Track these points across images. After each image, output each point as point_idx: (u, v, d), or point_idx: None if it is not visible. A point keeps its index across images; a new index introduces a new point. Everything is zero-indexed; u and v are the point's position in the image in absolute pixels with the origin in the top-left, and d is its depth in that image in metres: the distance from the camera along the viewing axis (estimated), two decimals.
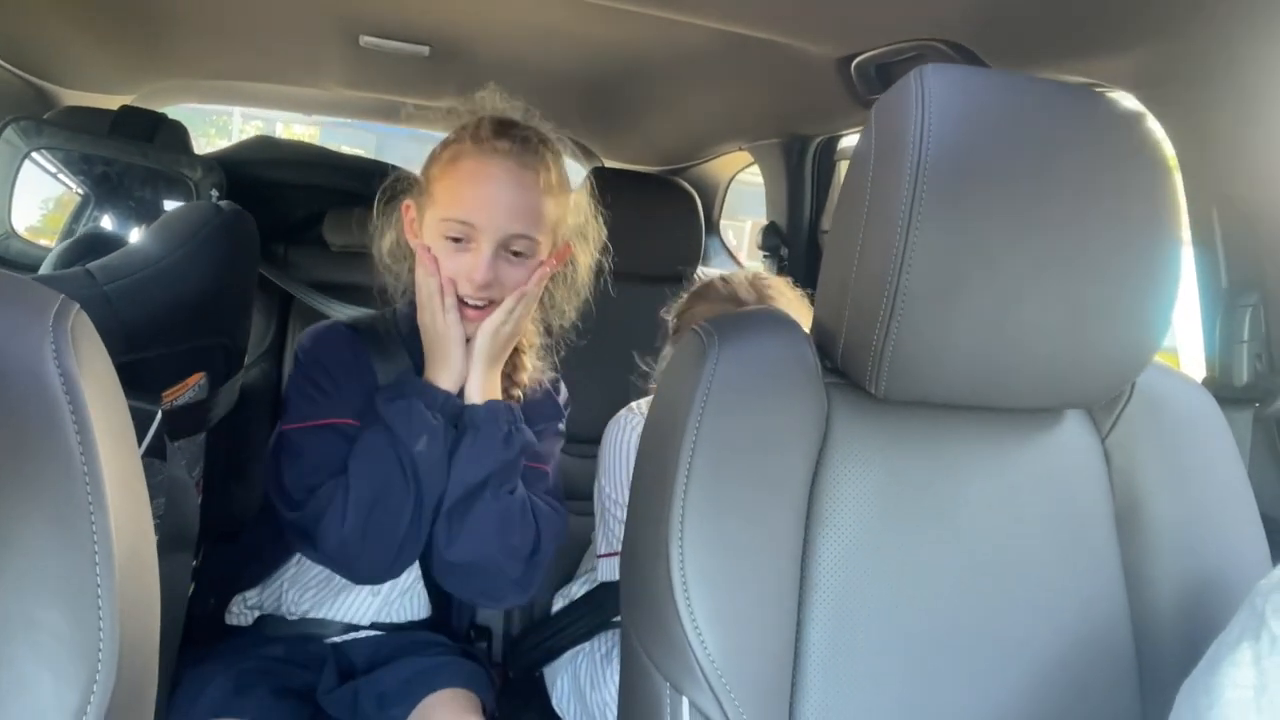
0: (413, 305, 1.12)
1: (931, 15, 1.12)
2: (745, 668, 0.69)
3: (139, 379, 0.62)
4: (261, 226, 1.41)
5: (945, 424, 0.80)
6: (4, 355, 0.49)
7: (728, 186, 2.32)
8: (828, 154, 1.84)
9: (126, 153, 1.59)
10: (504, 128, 1.07)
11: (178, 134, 1.70)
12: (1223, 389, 1.00)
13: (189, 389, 0.94)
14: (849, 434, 0.77)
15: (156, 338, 0.86)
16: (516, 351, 1.18)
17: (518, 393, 1.16)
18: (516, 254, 1.06)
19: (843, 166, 1.87)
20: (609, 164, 2.38)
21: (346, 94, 2.36)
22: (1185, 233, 0.83)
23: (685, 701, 0.68)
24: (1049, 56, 1.10)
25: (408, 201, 1.13)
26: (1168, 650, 0.79)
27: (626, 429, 1.29)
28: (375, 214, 1.16)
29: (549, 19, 1.57)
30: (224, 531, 1.25)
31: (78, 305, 0.55)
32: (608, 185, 1.85)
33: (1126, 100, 0.88)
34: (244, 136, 2.03)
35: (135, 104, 2.03)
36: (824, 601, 0.74)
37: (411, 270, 1.12)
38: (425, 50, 1.86)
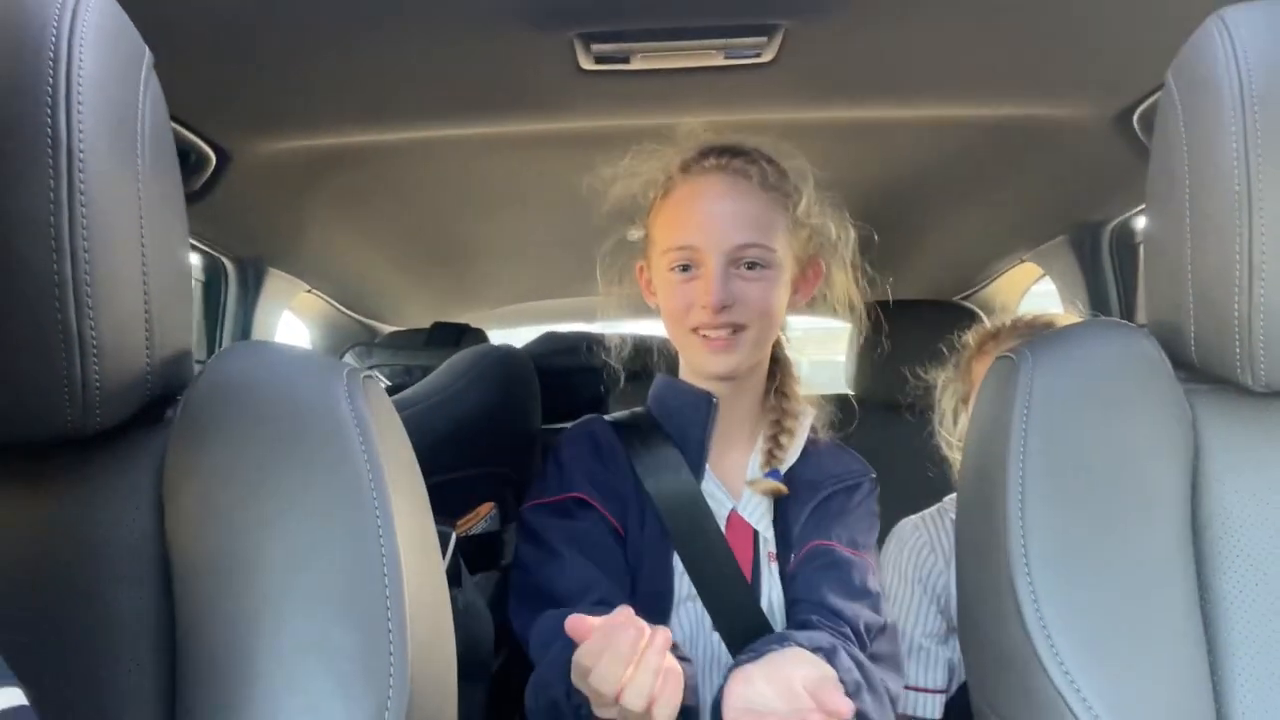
0: (661, 385, 1.05)
1: None
2: None
3: (431, 504, 0.63)
4: (552, 411, 1.50)
5: None
6: (300, 391, 0.52)
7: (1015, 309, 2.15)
8: (1126, 238, 1.66)
9: (439, 359, 1.78)
10: (709, 149, 0.99)
11: (479, 338, 1.89)
12: None
13: (481, 519, 0.96)
14: (1228, 444, 0.61)
15: (440, 463, 0.90)
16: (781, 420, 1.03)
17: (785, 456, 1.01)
18: (751, 266, 0.95)
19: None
20: None
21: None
22: None
23: None
24: None
25: (639, 264, 1.06)
26: None
27: (912, 541, 1.16)
28: (601, 287, 1.11)
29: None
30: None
31: (366, 369, 0.58)
32: (890, 316, 1.79)
33: None
34: None
35: None
36: (1247, 655, 0.55)
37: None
38: None
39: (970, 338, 1.23)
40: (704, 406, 1.00)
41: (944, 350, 1.69)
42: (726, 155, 0.98)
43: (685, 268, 0.96)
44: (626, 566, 0.96)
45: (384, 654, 0.45)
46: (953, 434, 1.20)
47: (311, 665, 0.44)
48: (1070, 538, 0.57)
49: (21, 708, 0.37)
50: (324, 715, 0.44)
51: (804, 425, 1.05)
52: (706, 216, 0.95)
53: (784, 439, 1.02)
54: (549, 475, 1.01)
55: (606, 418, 1.06)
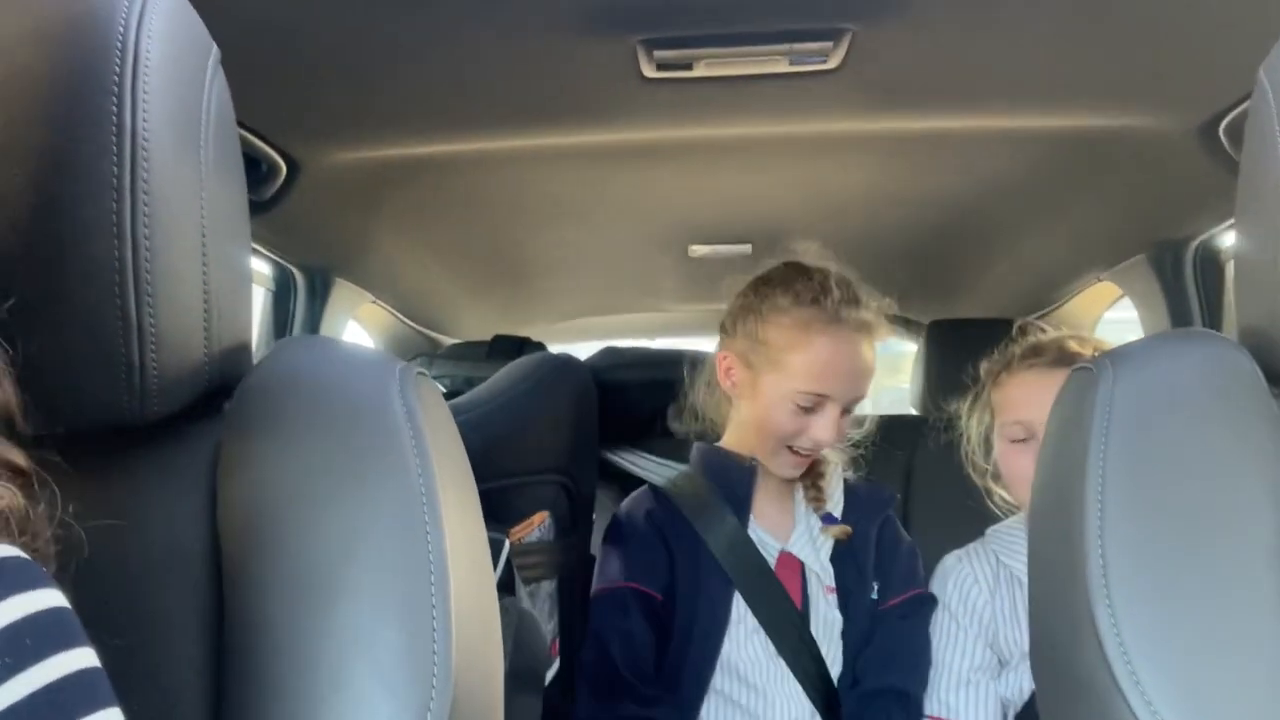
0: (704, 453, 1.21)
1: None
2: None
3: (485, 510, 0.63)
4: (615, 427, 1.49)
5: None
6: (353, 389, 0.52)
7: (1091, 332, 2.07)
8: (1211, 257, 1.58)
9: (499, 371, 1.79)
10: (853, 299, 1.13)
11: (539, 350, 1.90)
12: None
13: (535, 528, 0.96)
14: None
15: (496, 468, 0.90)
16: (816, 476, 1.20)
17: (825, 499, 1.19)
18: (852, 407, 1.15)
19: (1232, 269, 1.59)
20: None
21: (673, 310, 2.52)
22: None
23: None
24: None
25: (724, 352, 1.20)
26: None
27: (955, 574, 1.18)
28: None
29: (868, 187, 1.57)
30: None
31: (420, 368, 0.58)
32: (952, 337, 1.74)
33: None
34: None
35: None
36: None
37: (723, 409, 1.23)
38: (748, 248, 1.94)
39: (984, 366, 1.22)
40: (748, 473, 1.18)
41: None
42: (865, 311, 1.14)
43: (807, 408, 1.12)
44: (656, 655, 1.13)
45: (428, 652, 0.44)
46: (985, 463, 1.21)
47: (356, 660, 0.44)
48: (1155, 559, 0.53)
49: (23, 559, 0.37)
50: (367, 711, 0.43)
51: (834, 467, 1.22)
52: (845, 374, 1.12)
53: (820, 482, 1.20)
54: (613, 556, 1.15)
55: (656, 484, 1.22)
